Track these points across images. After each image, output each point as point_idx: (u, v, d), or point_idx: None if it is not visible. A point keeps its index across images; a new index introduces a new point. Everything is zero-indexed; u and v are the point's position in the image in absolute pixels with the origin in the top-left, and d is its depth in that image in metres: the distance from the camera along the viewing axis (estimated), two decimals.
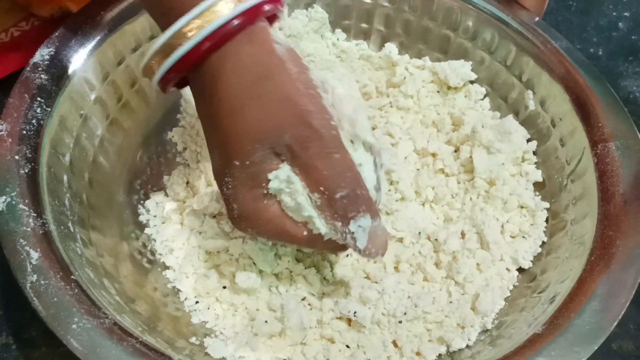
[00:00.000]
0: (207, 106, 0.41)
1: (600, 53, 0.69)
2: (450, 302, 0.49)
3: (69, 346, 0.37)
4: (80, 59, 0.51)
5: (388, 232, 0.40)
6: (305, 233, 0.42)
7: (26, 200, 0.43)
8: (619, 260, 0.42)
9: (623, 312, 0.40)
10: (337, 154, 0.40)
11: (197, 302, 0.50)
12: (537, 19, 0.57)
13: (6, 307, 0.48)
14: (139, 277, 0.50)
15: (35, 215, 0.43)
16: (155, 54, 0.41)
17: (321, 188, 0.39)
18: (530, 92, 0.56)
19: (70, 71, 0.51)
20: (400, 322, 0.47)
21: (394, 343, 0.47)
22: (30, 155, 0.45)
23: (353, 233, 0.40)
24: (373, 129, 0.59)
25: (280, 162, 0.40)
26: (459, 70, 0.59)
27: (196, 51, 0.39)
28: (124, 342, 0.38)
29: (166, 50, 0.40)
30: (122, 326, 0.39)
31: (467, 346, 0.47)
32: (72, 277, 0.40)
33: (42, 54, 0.51)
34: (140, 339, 0.38)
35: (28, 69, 0.50)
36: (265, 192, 0.41)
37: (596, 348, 0.38)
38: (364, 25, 0.64)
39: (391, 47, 0.62)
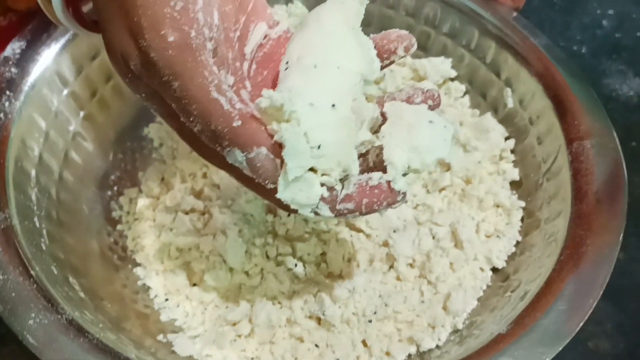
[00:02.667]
0: None
1: (583, 51, 0.68)
2: (422, 302, 0.48)
3: (24, 341, 0.37)
4: (52, 53, 0.51)
5: (275, 159, 0.32)
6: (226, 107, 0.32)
7: None
8: (588, 260, 0.42)
9: (590, 312, 0.39)
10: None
11: (166, 300, 0.49)
12: (515, 14, 0.56)
13: None
14: (109, 274, 0.50)
15: None
16: None
17: None
18: (509, 89, 0.56)
19: (42, 65, 0.50)
20: (370, 321, 0.47)
21: (364, 342, 0.47)
22: None
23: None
24: None
25: None
26: (439, 67, 0.59)
27: None
28: (81, 338, 0.38)
29: None
30: (80, 323, 0.38)
31: (437, 346, 0.46)
32: (32, 272, 0.40)
33: (14, 47, 0.50)
34: (97, 336, 0.38)
35: None
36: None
37: (560, 349, 0.38)
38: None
39: None
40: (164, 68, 0.32)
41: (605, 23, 0.70)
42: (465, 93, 0.59)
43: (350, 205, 0.34)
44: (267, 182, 0.32)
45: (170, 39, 0.31)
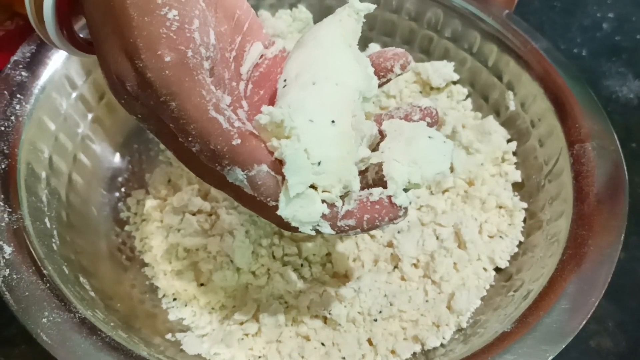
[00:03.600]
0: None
1: (583, 53, 0.69)
2: (426, 301, 0.49)
3: (38, 339, 0.38)
4: (61, 57, 0.52)
5: (276, 176, 0.32)
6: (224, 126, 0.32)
7: (1, 196, 0.43)
8: (590, 260, 0.42)
9: (593, 311, 0.40)
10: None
11: (174, 299, 0.50)
12: (507, 11, 0.57)
13: None
14: (117, 274, 0.50)
15: (10, 210, 0.43)
16: None
17: None
18: (510, 92, 0.56)
19: (51, 69, 0.51)
20: (375, 320, 0.48)
21: (369, 341, 0.47)
22: (7, 152, 0.46)
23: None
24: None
25: None
26: (442, 70, 0.59)
27: None
28: (93, 336, 0.38)
29: None
30: (92, 321, 0.39)
31: (442, 345, 0.47)
32: (45, 272, 0.41)
33: (24, 51, 0.51)
34: (109, 334, 0.39)
35: (9, 66, 0.50)
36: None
37: (563, 347, 0.38)
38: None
39: (375, 48, 0.63)
40: (161, 88, 0.31)
41: (605, 25, 0.71)
42: (467, 96, 0.60)
43: (351, 222, 0.33)
44: (268, 199, 0.32)
45: (167, 59, 0.31)
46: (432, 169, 0.34)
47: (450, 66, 0.60)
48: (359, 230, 0.34)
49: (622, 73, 0.67)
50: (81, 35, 0.40)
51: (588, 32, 0.71)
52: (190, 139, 0.32)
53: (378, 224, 0.34)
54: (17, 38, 0.52)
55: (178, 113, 0.31)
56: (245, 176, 0.32)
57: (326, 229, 0.33)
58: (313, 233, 0.33)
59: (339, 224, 0.33)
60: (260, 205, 0.33)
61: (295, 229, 0.33)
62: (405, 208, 0.34)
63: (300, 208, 0.32)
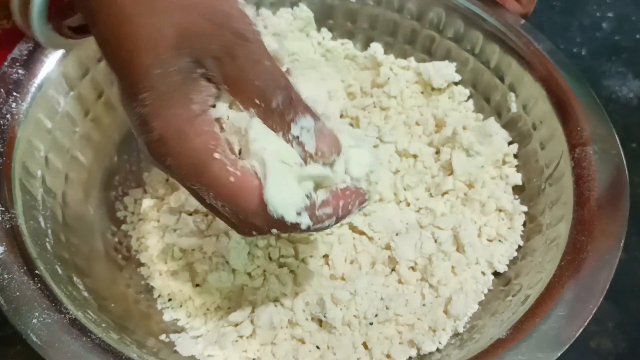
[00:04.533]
0: (106, 22, 0.34)
1: (583, 53, 0.69)
2: (423, 305, 0.49)
3: (28, 340, 0.37)
4: (59, 55, 0.51)
5: (335, 133, 0.36)
6: (231, 179, 0.34)
7: None
8: (589, 266, 0.42)
9: (590, 318, 0.40)
10: (267, 61, 0.34)
11: (169, 300, 0.50)
12: (522, 21, 0.57)
13: None
14: (113, 274, 0.50)
15: (3, 209, 0.43)
16: None
17: (256, 101, 0.35)
18: (512, 94, 0.56)
19: (48, 67, 0.51)
20: (371, 323, 0.47)
21: (364, 345, 0.47)
22: (2, 150, 0.45)
23: (297, 137, 0.35)
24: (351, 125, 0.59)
25: (205, 78, 0.34)
26: (443, 71, 0.59)
27: None
28: (83, 337, 0.38)
29: None
30: (83, 322, 0.39)
31: (438, 349, 0.46)
32: (37, 272, 0.40)
33: (21, 49, 0.51)
34: (100, 336, 0.38)
35: (6, 63, 0.50)
36: (197, 110, 0.34)
37: (559, 354, 0.38)
38: (349, 24, 0.63)
39: (376, 47, 0.62)
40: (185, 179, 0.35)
41: (604, 25, 0.71)
42: (469, 97, 0.60)
43: (328, 210, 0.35)
44: None
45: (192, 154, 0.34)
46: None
47: (452, 67, 0.59)
48: (334, 218, 0.36)
49: (621, 73, 0.67)
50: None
51: (588, 32, 0.71)
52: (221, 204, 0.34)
53: (351, 208, 0.37)
54: (14, 37, 0.52)
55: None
56: None
57: (305, 219, 0.34)
58: (295, 220, 0.34)
59: (317, 213, 0.35)
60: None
61: (281, 223, 0.34)
62: (369, 191, 0.38)
63: (284, 195, 0.34)
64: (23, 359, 0.47)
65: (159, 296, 0.50)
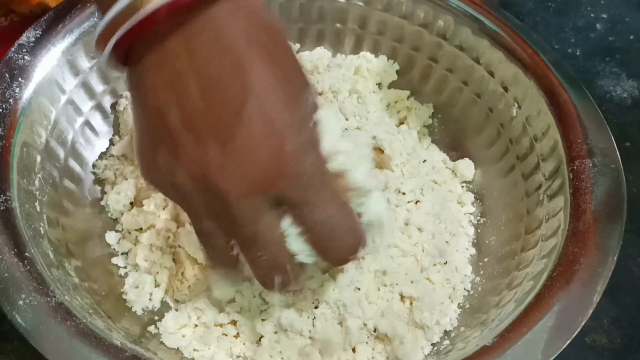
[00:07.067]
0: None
1: (577, 53, 0.70)
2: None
3: (14, 322, 0.37)
4: (66, 43, 0.52)
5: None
6: None
7: None
8: (580, 278, 0.41)
9: (579, 330, 0.39)
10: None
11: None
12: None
13: None
14: (105, 262, 0.50)
15: None
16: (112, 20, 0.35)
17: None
18: (515, 105, 0.55)
19: (55, 54, 0.51)
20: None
21: (354, 350, 0.46)
22: (2, 133, 0.46)
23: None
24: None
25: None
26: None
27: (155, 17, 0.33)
28: (67, 322, 0.38)
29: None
30: (68, 307, 0.39)
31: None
32: (27, 254, 0.41)
33: (29, 35, 0.51)
34: (84, 321, 0.38)
35: (13, 49, 0.50)
36: None
37: None
38: (338, 25, 0.63)
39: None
40: None
41: (598, 26, 0.72)
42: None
43: None
44: None
45: None
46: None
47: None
48: None
49: (615, 73, 0.68)
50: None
51: (582, 33, 0.71)
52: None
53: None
54: (12, 35, 0.52)
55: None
56: None
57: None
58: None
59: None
60: None
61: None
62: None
63: None
64: (20, 355, 0.46)
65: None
